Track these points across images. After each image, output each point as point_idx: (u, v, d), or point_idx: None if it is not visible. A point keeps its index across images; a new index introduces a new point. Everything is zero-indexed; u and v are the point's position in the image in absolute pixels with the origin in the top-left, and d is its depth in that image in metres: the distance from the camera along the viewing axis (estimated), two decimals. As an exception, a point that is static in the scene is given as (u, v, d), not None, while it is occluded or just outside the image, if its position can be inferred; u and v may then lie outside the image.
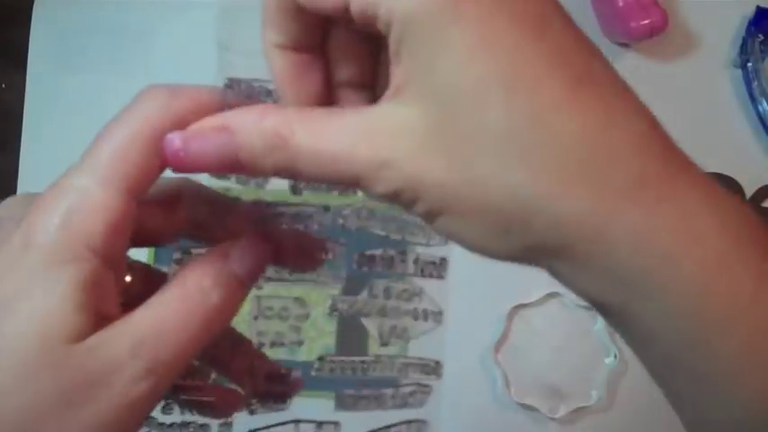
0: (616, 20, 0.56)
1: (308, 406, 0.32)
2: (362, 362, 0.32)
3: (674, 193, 0.21)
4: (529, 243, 0.22)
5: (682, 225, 0.21)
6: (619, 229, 0.20)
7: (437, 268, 0.32)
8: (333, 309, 0.31)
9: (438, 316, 0.32)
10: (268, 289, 0.30)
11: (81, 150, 0.57)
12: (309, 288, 0.31)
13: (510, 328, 0.55)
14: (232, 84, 0.28)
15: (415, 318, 0.32)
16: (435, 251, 0.32)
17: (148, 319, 0.24)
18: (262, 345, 0.30)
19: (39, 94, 0.60)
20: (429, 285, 0.32)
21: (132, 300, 0.25)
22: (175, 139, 0.24)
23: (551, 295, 0.55)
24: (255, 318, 0.29)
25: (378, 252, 0.32)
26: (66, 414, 0.22)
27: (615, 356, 0.53)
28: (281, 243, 0.28)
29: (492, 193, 0.21)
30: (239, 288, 0.26)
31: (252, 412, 0.30)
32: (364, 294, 0.31)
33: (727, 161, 0.58)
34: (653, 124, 0.24)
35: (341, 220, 0.31)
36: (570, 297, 0.55)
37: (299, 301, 0.31)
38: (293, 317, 0.31)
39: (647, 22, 0.55)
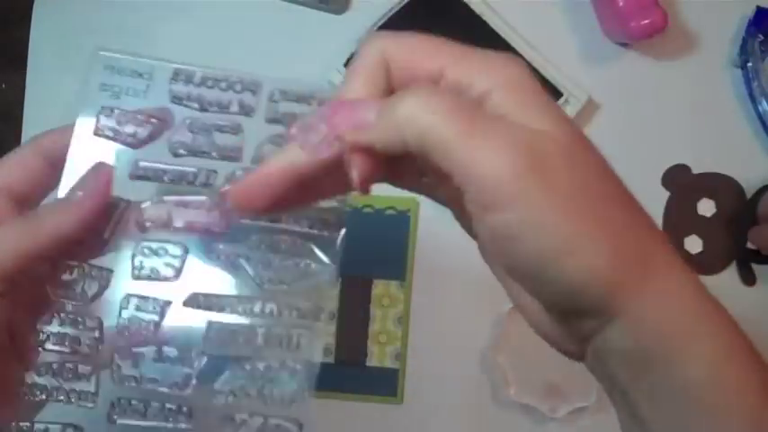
0: (616, 20, 0.56)
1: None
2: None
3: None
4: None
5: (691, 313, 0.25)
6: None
7: (331, 225, 0.34)
8: (212, 251, 0.33)
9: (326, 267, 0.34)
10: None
11: None
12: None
13: (510, 328, 0.55)
14: (105, 110, 0.32)
15: (299, 265, 0.33)
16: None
17: None
18: (138, 277, 0.32)
19: (38, 94, 0.60)
20: (320, 240, 0.34)
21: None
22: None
23: (551, 295, 0.55)
24: (134, 255, 0.32)
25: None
26: None
27: (615, 356, 0.53)
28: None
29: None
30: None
31: None
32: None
33: (727, 161, 0.58)
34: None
35: None
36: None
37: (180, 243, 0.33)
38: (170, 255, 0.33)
39: (647, 22, 0.55)
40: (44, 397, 0.32)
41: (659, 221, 0.57)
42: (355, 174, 0.26)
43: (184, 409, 0.32)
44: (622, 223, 0.25)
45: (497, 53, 0.26)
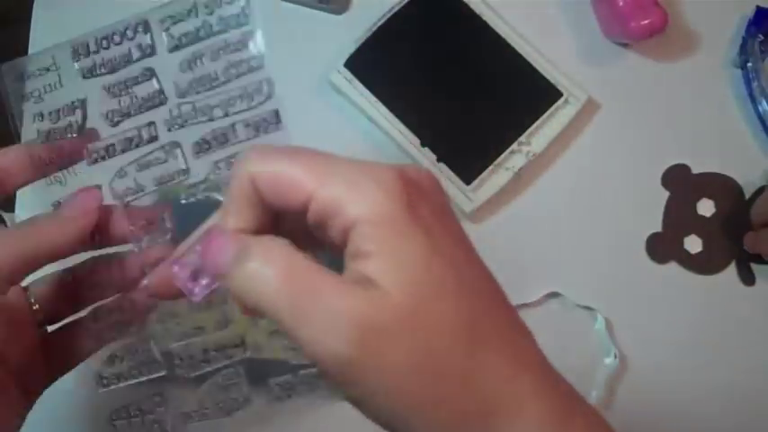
0: (616, 20, 0.56)
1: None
2: None
3: None
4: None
5: None
6: None
7: (270, 123, 0.35)
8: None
9: None
10: None
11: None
12: None
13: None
14: (36, 117, 0.35)
15: None
16: (262, 110, 0.35)
17: None
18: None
19: (39, 94, 0.60)
20: (272, 139, 0.35)
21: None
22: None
23: (551, 295, 0.55)
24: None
25: (208, 131, 0.34)
26: None
27: (615, 356, 0.54)
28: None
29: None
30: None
31: None
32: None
33: (727, 161, 0.58)
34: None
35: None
36: (570, 297, 0.55)
37: None
38: None
39: (647, 22, 0.55)
40: (118, 382, 0.34)
41: (659, 221, 0.57)
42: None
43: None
44: (461, 380, 0.26)
45: (367, 168, 0.27)
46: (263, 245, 0.26)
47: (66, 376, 0.37)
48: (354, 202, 0.26)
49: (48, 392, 0.35)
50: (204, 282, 0.29)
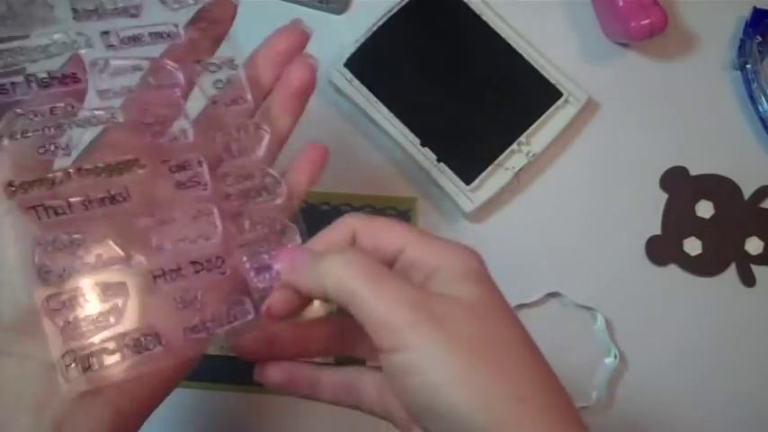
0: (616, 20, 0.56)
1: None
2: None
3: None
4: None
5: None
6: None
7: None
8: None
9: None
10: None
11: (80, 150, 0.57)
12: None
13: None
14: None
15: None
16: None
17: None
18: None
19: (38, 93, 0.60)
20: None
21: None
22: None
23: (551, 295, 0.55)
24: None
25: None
26: None
27: (615, 356, 0.54)
28: None
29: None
30: None
31: None
32: None
33: (727, 161, 0.58)
34: None
35: None
36: (570, 297, 0.55)
37: None
38: None
39: (647, 22, 0.55)
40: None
41: (658, 224, 0.57)
42: (267, 302, 0.32)
43: None
44: (515, 367, 0.29)
45: (455, 243, 0.32)
46: (346, 249, 0.32)
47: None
48: (440, 255, 0.32)
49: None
50: (267, 276, 0.34)
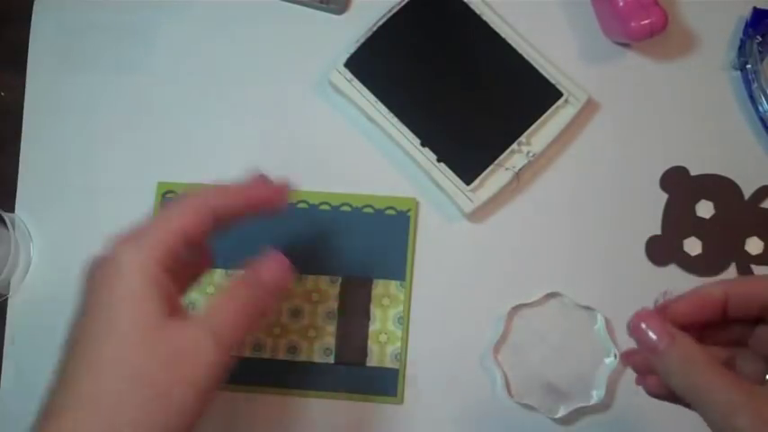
0: (616, 20, 0.56)
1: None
2: None
3: None
4: None
5: None
6: None
7: None
8: None
9: None
10: None
11: (80, 150, 0.59)
12: None
13: (510, 328, 0.55)
14: None
15: None
16: None
17: (222, 314, 0.37)
18: None
19: (39, 94, 0.60)
20: None
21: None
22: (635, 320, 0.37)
23: (551, 295, 0.55)
24: None
25: None
26: (164, 373, 0.34)
27: (615, 356, 0.54)
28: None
29: None
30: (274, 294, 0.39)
31: None
32: None
33: (726, 161, 0.58)
34: None
35: None
36: (570, 297, 0.55)
37: None
38: None
39: (647, 22, 0.55)
40: None
41: (658, 224, 0.57)
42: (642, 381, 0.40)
43: None
44: None
45: None
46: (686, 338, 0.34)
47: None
48: None
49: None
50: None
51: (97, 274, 0.36)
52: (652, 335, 0.35)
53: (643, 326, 0.36)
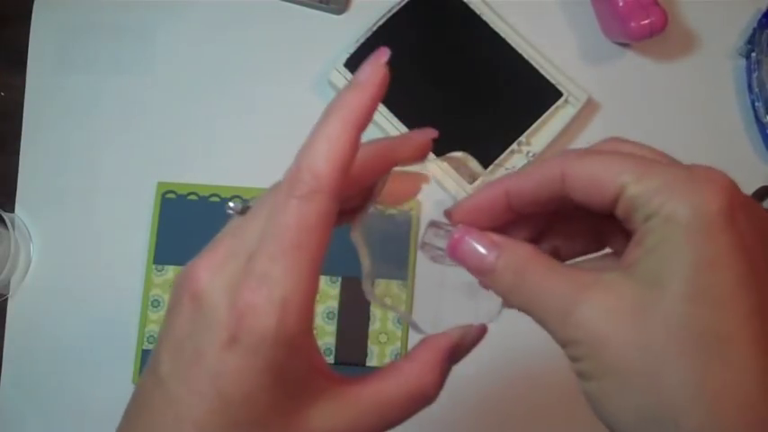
0: (616, 20, 0.56)
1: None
2: None
3: None
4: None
5: None
6: None
7: None
8: None
9: None
10: None
11: (81, 150, 0.58)
12: None
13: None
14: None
15: None
16: None
17: (374, 406, 0.30)
18: None
19: (38, 94, 0.60)
20: None
21: None
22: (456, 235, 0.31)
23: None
24: None
25: None
26: None
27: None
28: None
29: (665, 383, 0.24)
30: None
31: None
32: None
33: (726, 161, 0.58)
34: None
35: None
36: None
37: None
38: None
39: (646, 22, 0.55)
40: None
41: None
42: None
43: None
44: None
45: (688, 169, 0.27)
46: (518, 253, 0.28)
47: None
48: (670, 197, 0.25)
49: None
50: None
51: None
52: (479, 249, 0.29)
53: (465, 246, 0.30)
